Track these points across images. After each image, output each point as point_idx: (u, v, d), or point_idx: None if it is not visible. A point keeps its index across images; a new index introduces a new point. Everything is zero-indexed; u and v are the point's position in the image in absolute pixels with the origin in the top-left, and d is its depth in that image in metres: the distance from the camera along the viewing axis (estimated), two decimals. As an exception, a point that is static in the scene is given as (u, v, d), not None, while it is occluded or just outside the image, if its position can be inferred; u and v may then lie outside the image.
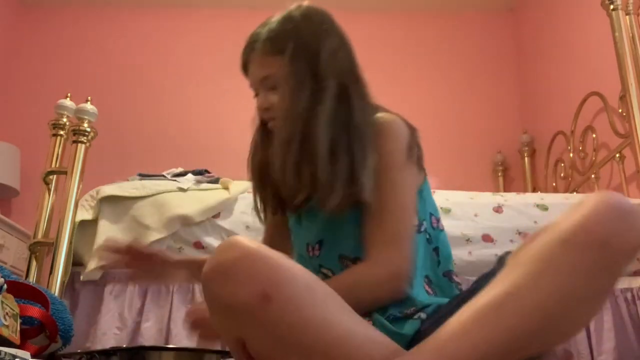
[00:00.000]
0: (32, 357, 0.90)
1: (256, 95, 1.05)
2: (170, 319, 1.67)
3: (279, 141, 0.96)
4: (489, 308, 0.67)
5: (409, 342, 0.81)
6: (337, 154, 0.92)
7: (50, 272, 1.63)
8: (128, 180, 2.01)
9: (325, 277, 0.97)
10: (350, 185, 0.91)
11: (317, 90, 0.96)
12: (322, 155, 0.92)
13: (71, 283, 1.73)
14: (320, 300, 0.70)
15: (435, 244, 1.00)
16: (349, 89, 0.98)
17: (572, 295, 0.65)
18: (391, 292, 0.87)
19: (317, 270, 0.99)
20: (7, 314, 0.89)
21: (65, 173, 1.79)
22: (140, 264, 1.10)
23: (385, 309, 0.88)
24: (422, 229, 0.98)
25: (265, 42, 1.01)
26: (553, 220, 0.71)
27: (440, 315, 0.82)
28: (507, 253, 0.78)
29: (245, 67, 1.05)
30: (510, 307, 0.66)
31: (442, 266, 0.99)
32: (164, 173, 2.13)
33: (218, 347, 1.09)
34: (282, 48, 0.99)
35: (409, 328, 0.84)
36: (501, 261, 0.77)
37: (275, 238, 1.12)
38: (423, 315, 0.85)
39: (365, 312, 0.85)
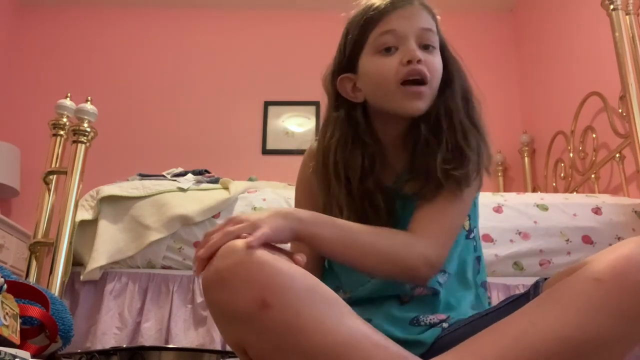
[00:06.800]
0: (32, 357, 0.90)
1: (388, 48, 0.93)
2: (170, 319, 1.67)
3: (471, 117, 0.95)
4: (511, 334, 0.66)
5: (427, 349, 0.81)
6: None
7: (50, 272, 1.63)
8: (128, 180, 2.01)
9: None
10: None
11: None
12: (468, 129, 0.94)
13: (71, 283, 1.74)
14: (320, 305, 0.69)
15: (479, 252, 1.00)
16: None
17: (595, 336, 0.63)
18: (419, 271, 0.84)
19: None
20: (7, 314, 0.89)
21: (65, 173, 1.79)
22: None
23: (417, 312, 0.88)
24: (472, 236, 0.99)
25: (426, 6, 0.97)
26: (589, 257, 0.69)
27: (462, 327, 0.82)
28: (544, 279, 0.77)
29: (394, 6, 0.94)
30: (530, 336, 0.64)
31: (481, 275, 0.99)
32: (164, 173, 2.13)
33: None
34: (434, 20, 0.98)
35: (429, 335, 0.83)
36: (536, 286, 0.76)
37: None
38: (445, 324, 0.85)
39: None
